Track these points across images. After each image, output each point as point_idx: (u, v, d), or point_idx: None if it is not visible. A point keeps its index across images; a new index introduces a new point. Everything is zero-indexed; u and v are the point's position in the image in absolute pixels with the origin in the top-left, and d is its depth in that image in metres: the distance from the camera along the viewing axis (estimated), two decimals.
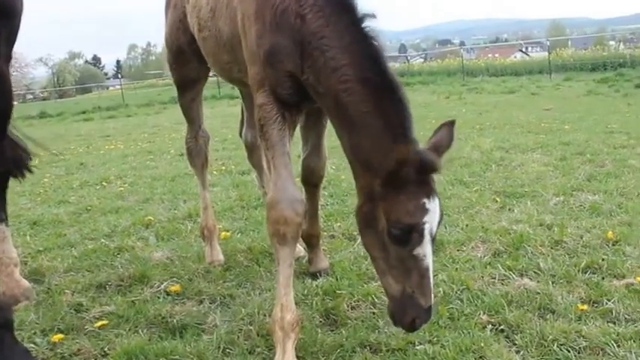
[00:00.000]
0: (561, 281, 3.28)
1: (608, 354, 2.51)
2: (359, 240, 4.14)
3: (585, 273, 3.37)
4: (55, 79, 78.75)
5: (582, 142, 7.97)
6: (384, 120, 2.41)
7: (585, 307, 2.92)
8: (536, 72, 27.19)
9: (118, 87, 40.87)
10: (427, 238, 2.36)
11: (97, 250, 4.40)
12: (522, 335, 2.71)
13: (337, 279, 3.44)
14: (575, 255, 3.66)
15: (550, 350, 2.58)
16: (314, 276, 3.57)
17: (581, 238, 3.95)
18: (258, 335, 2.85)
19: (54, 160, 10.14)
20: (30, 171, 3.76)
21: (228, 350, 2.75)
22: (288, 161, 2.70)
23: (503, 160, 6.91)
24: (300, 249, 4.01)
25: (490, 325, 2.83)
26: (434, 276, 2.56)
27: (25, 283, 3.54)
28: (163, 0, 4.12)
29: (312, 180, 3.60)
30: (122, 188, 6.92)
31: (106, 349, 2.84)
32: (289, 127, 2.79)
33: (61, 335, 2.97)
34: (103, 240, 4.68)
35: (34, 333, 3.03)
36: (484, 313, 2.94)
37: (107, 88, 59.59)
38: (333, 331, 2.89)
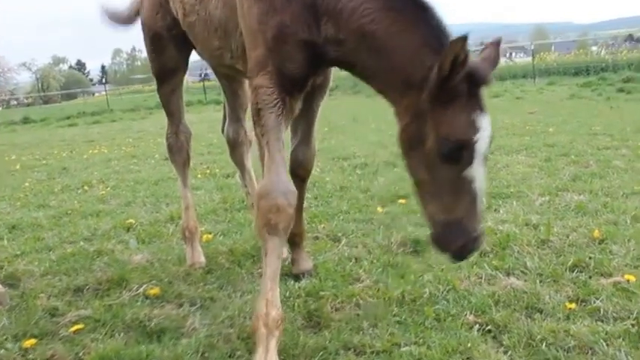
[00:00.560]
0: (548, 280, 3.23)
1: (597, 353, 2.46)
2: (343, 241, 4.10)
3: (572, 272, 3.32)
4: (39, 85, 77.92)
5: (566, 144, 8.00)
6: (422, 32, 2.25)
7: (573, 305, 2.87)
8: (520, 76, 27.36)
9: (104, 93, 40.56)
10: (479, 158, 2.19)
11: (76, 253, 4.29)
12: (510, 335, 2.65)
13: (321, 280, 3.36)
14: (562, 254, 3.61)
15: (538, 350, 2.52)
16: (297, 277, 3.49)
17: (568, 237, 3.91)
18: (238, 338, 2.76)
19: (36, 165, 10.01)
20: None
21: (207, 354, 2.65)
22: (282, 147, 2.55)
23: (488, 162, 6.87)
24: (283, 250, 3.93)
25: (477, 326, 2.76)
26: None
27: (0, 287, 3.43)
28: None
29: (300, 173, 3.41)
30: (104, 192, 6.81)
31: (80, 354, 2.73)
32: (287, 113, 2.62)
33: (33, 340, 2.86)
34: (82, 243, 4.57)
35: (6, 338, 2.92)
36: (471, 313, 2.88)
37: (93, 94, 59.13)
38: (315, 333, 2.81)
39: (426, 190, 2.31)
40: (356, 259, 3.74)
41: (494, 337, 2.68)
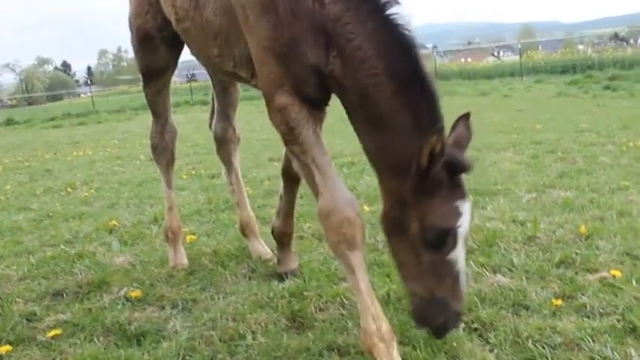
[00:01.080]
0: (535, 277, 3.20)
1: (584, 349, 2.43)
2: None
3: (559, 268, 3.30)
4: (24, 86, 77.01)
5: (553, 141, 8.02)
6: (415, 119, 2.24)
7: (560, 302, 2.84)
8: (507, 75, 27.54)
9: (90, 94, 40.15)
10: (461, 241, 2.27)
11: (56, 256, 4.20)
12: (496, 333, 2.61)
13: (305, 280, 3.31)
14: (549, 250, 3.59)
15: (525, 347, 2.48)
16: (281, 277, 3.42)
17: (554, 233, 3.89)
18: (220, 341, 2.70)
19: (18, 167, 9.86)
20: None
21: (188, 357, 2.59)
22: (330, 160, 2.46)
23: (475, 160, 6.86)
24: (268, 251, 3.88)
25: (463, 324, 2.72)
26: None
27: None
28: None
29: (295, 175, 3.20)
30: (87, 194, 6.71)
31: None
32: (321, 128, 2.53)
33: (8, 347, 2.78)
34: (62, 246, 4.48)
35: None
36: None
37: (79, 96, 58.56)
38: (299, 334, 2.75)
39: (410, 271, 2.36)
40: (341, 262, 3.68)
41: (480, 335, 2.64)
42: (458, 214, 2.24)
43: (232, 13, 2.61)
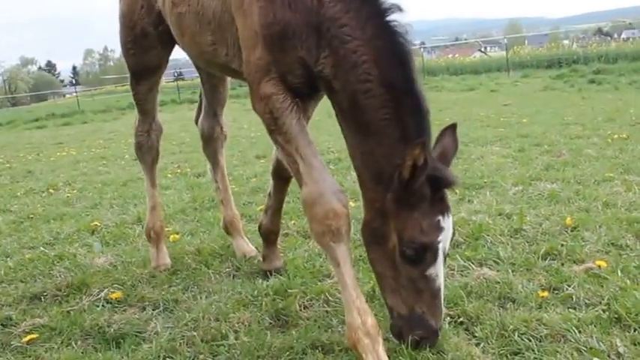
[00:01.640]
0: (521, 269, 3.18)
1: (570, 340, 2.40)
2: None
3: (545, 260, 3.28)
4: (7, 87, 75.95)
5: (540, 134, 8.04)
6: (402, 131, 2.22)
7: (546, 293, 2.81)
8: (494, 70, 27.65)
9: (75, 94, 39.68)
10: (440, 257, 2.24)
11: (35, 259, 4.10)
12: (482, 327, 2.58)
13: (289, 277, 3.25)
14: (535, 242, 3.57)
15: (511, 340, 2.44)
16: (265, 275, 3.37)
17: (541, 225, 3.87)
18: (202, 341, 2.63)
19: None
20: None
21: (168, 359, 2.53)
22: (316, 151, 2.40)
23: (462, 154, 6.85)
24: (252, 249, 3.82)
25: (449, 318, 2.68)
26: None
27: None
28: None
29: (284, 175, 3.21)
30: (70, 194, 6.60)
31: None
32: (305, 118, 2.49)
33: None
34: (42, 248, 4.38)
35: None
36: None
37: (64, 96, 57.89)
38: (283, 332, 2.70)
39: (388, 284, 2.34)
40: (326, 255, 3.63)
41: (466, 329, 2.60)
42: (438, 229, 2.22)
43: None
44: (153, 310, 3.07)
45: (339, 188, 2.38)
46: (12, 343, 2.79)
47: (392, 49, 2.22)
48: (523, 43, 43.68)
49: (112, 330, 2.83)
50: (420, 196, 2.19)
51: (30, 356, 2.67)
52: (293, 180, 6.27)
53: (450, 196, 4.76)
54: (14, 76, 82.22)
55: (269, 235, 3.48)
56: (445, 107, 14.01)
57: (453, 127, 2.46)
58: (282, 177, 3.28)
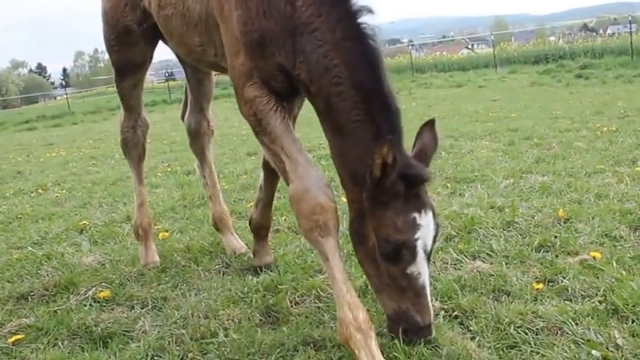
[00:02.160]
0: (515, 262, 3.14)
1: (567, 333, 2.36)
2: None
3: (539, 252, 3.25)
4: None
5: (529, 128, 8.04)
6: (375, 131, 2.22)
7: (540, 286, 2.78)
8: (482, 66, 27.67)
9: (65, 96, 39.35)
10: (421, 255, 2.21)
11: (23, 259, 4.03)
12: (477, 320, 2.54)
13: (280, 273, 3.20)
14: (528, 234, 3.54)
15: (507, 334, 2.41)
16: (256, 271, 3.32)
17: (533, 217, 3.84)
18: (191, 339, 2.58)
19: None
20: None
21: (156, 358, 2.47)
22: (301, 147, 2.41)
23: (452, 148, 6.84)
24: (242, 245, 3.77)
25: (443, 312, 2.65)
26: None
27: None
28: None
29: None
30: (59, 194, 6.53)
31: None
32: (290, 117, 2.51)
33: None
34: (30, 248, 4.32)
35: None
36: (436, 299, 2.75)
37: (55, 98, 57.42)
38: (274, 329, 2.65)
39: (374, 283, 2.35)
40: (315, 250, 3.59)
41: (461, 323, 2.56)
42: (414, 227, 2.20)
43: (211, 2, 2.59)
44: (141, 308, 3.01)
45: (326, 183, 2.36)
46: None
47: (361, 50, 2.24)
48: (509, 40, 43.82)
49: (99, 329, 2.77)
50: (394, 193, 2.18)
51: (15, 357, 2.61)
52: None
53: (442, 189, 4.80)
54: (5, 79, 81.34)
55: (259, 230, 3.44)
56: (434, 103, 14.03)
57: (431, 123, 2.45)
58: (272, 168, 3.23)
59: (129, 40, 3.49)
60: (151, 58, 3.68)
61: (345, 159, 2.34)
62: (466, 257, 3.26)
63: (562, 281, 2.83)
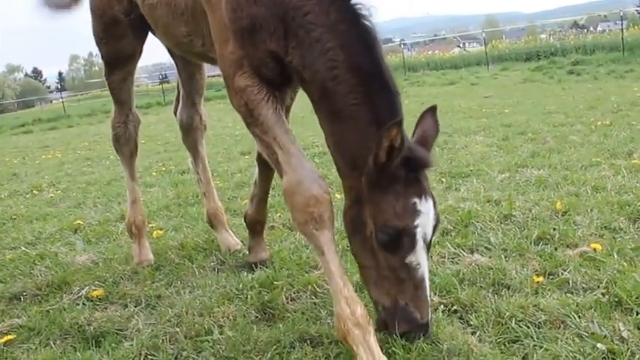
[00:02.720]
0: (514, 255, 3.10)
1: (570, 326, 2.31)
2: None
3: (537, 245, 3.21)
4: None
5: (523, 123, 8.03)
6: (373, 114, 2.15)
7: (541, 279, 2.73)
8: (474, 64, 27.76)
9: (61, 100, 39.23)
10: (420, 244, 2.13)
11: (16, 259, 3.97)
12: (477, 314, 2.48)
13: (275, 270, 3.15)
14: (526, 227, 3.50)
15: (508, 328, 2.35)
16: (251, 267, 3.27)
17: (530, 210, 3.81)
18: (185, 338, 2.52)
19: None
20: None
21: (150, 356, 2.41)
22: (294, 139, 2.34)
23: (447, 144, 6.81)
24: (237, 242, 3.72)
25: (442, 307, 2.59)
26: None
27: None
28: None
29: None
30: (53, 195, 6.48)
31: None
32: (282, 108, 2.44)
33: None
34: (23, 248, 4.26)
35: None
36: (435, 294, 2.69)
37: (50, 102, 57.22)
38: (270, 326, 2.59)
39: (370, 275, 2.26)
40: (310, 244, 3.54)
41: (460, 318, 2.51)
42: (414, 213, 2.12)
43: None
44: (135, 307, 2.95)
45: (319, 175, 2.30)
46: None
47: (357, 32, 2.17)
48: (501, 38, 43.91)
49: (92, 328, 2.71)
50: (394, 178, 2.11)
51: (7, 358, 2.54)
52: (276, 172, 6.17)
53: (437, 184, 4.76)
54: (1, 84, 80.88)
55: (255, 225, 3.39)
56: (427, 101, 13.98)
57: (432, 110, 2.40)
58: (266, 162, 3.19)
59: (117, 32, 3.44)
60: (141, 51, 3.63)
61: (343, 144, 2.27)
62: (464, 251, 3.22)
63: (562, 274, 2.78)
